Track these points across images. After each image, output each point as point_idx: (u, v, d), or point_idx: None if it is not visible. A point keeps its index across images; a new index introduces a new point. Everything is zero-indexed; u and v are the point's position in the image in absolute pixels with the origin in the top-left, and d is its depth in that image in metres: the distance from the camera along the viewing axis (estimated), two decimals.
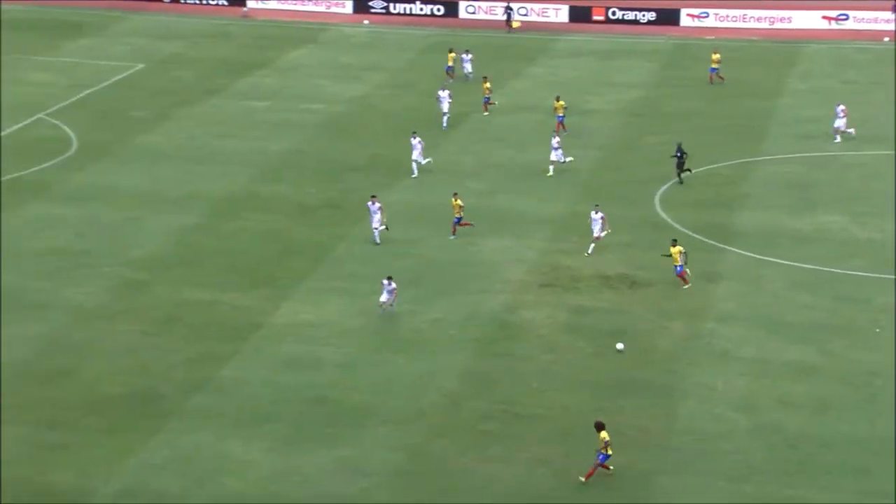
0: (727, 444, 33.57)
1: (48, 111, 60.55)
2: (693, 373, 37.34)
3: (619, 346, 37.75)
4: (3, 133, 57.01)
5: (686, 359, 38.15)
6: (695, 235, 47.08)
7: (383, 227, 45.75)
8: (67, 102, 61.87)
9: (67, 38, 74.68)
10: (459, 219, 46.48)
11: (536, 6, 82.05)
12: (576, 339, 39.42)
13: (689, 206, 50.21)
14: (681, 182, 52.05)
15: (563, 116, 58.34)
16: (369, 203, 45.93)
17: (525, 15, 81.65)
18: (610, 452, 31.83)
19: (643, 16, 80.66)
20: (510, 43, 76.72)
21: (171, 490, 31.24)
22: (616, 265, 44.63)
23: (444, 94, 59.32)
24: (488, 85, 62.07)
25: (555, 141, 53.39)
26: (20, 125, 58.31)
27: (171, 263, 44.24)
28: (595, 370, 37.62)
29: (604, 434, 31.88)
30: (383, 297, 40.25)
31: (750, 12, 79.77)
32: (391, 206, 49.77)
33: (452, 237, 46.23)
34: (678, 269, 42.40)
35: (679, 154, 52.19)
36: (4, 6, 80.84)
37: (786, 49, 74.60)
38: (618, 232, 47.26)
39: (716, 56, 67.43)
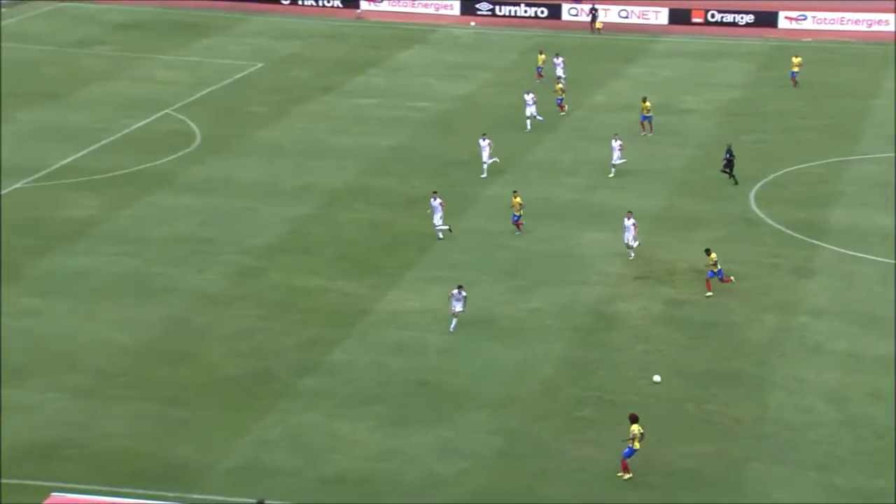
0: (817, 434, 33.05)
1: (174, 107, 61.70)
2: (784, 365, 36.80)
3: (657, 378, 35.32)
4: (133, 127, 58.24)
5: (777, 351, 37.62)
6: (788, 232, 46.35)
7: (446, 227, 45.27)
8: (192, 99, 62.99)
9: (193, 38, 76.00)
10: (518, 217, 45.86)
11: (637, 8, 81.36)
12: (670, 331, 39.10)
13: (783, 203, 49.44)
14: (736, 183, 50.84)
15: (649, 117, 57.59)
16: (431, 199, 45.69)
17: (626, 17, 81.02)
18: (637, 447, 31.03)
19: (741, 18, 79.50)
20: (610, 44, 76.18)
21: (284, 466, 31.73)
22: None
23: (528, 97, 58.66)
24: (560, 86, 61.33)
25: (616, 144, 52.21)
26: (149, 120, 59.55)
27: (286, 252, 44.84)
28: (688, 360, 37.28)
29: (635, 427, 31.08)
30: (457, 308, 38.39)
31: (848, 15, 78.12)
32: (493, 201, 49.84)
33: (518, 233, 45.63)
34: (718, 273, 40.91)
35: (729, 156, 51.10)
36: (137, 7, 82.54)
37: (882, 51, 72.94)
38: (713, 227, 46.72)
39: (796, 60, 66.27)
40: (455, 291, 38.33)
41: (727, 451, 32.38)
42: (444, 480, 31.26)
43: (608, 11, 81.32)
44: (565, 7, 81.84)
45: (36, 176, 51.32)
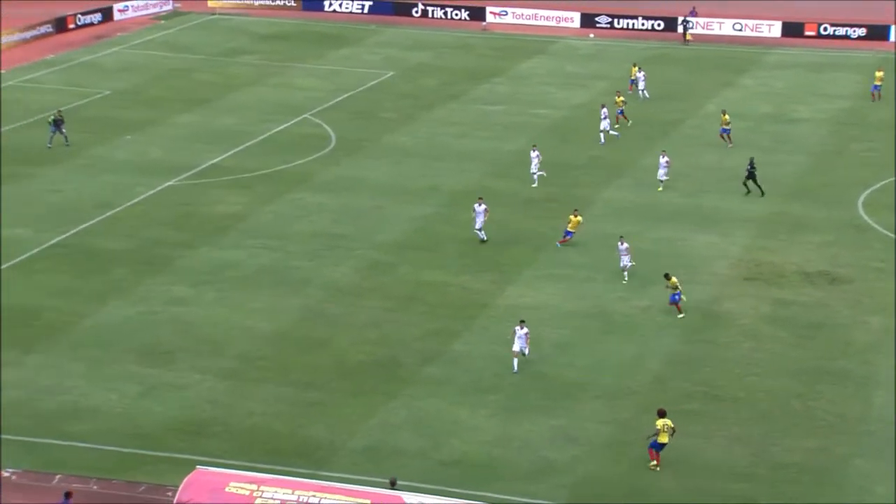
0: None
1: (312, 112, 62.56)
2: (889, 365, 35.70)
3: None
4: (275, 130, 59.22)
5: (883, 352, 36.52)
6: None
7: (482, 234, 44.00)
8: (328, 104, 63.78)
9: (331, 48, 76.97)
10: (570, 233, 43.99)
11: (751, 22, 79.79)
12: (777, 330, 38.26)
13: (891, 209, 47.95)
14: (762, 193, 49.32)
15: (728, 129, 56.12)
16: (475, 205, 44.76)
17: (740, 30, 79.55)
18: (664, 441, 30.20)
19: (854, 31, 77.34)
20: (724, 55, 74.84)
21: (408, 448, 31.93)
22: (818, 262, 43.07)
23: (603, 111, 57.24)
24: (622, 98, 60.10)
25: (664, 160, 50.15)
26: (289, 123, 60.49)
27: (412, 248, 45.10)
28: (795, 358, 36.44)
29: (660, 422, 30.30)
30: (516, 347, 34.80)
31: None
32: (607, 204, 49.42)
33: (559, 245, 44.23)
34: (676, 296, 38.71)
35: (751, 168, 49.54)
36: (281, 20, 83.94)
37: None
38: (821, 232, 45.59)
39: (879, 74, 64.16)
40: (517, 328, 34.61)
41: (831, 446, 31.56)
42: (557, 466, 31.10)
43: (723, 24, 79.94)
44: (680, 20, 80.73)
45: (187, 174, 52.56)
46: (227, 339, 37.64)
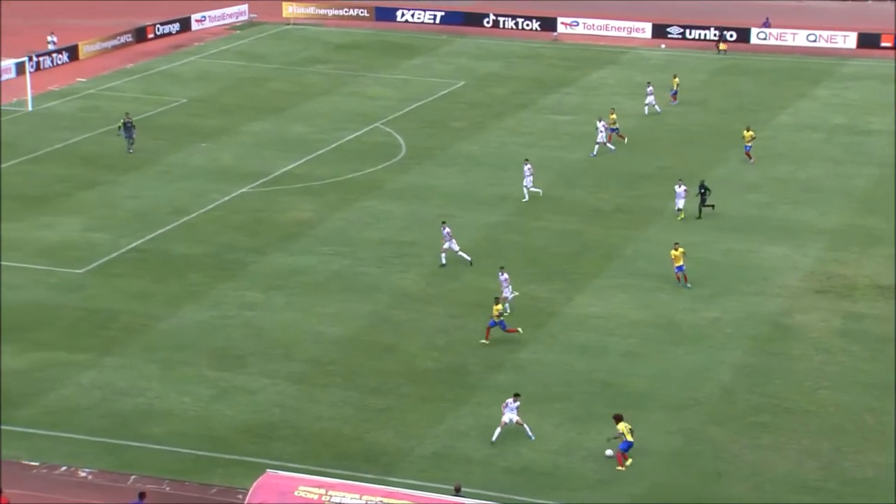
0: None
1: (383, 121, 62.85)
2: None
3: (608, 452, 31.41)
4: (346, 138, 59.60)
5: None
6: None
7: (467, 257, 43.20)
8: (399, 113, 64.03)
9: (403, 58, 77.31)
10: (681, 268, 41.37)
11: (825, 33, 78.64)
12: (849, 343, 37.57)
13: None
14: (699, 217, 47.74)
15: (750, 146, 54.91)
16: (442, 228, 43.41)
17: (814, 41, 78.47)
18: (631, 439, 30.63)
19: None
20: (798, 66, 73.81)
21: (475, 455, 31.86)
22: (890, 276, 42.23)
23: (600, 125, 56.28)
24: (614, 116, 58.78)
25: (680, 189, 47.82)
26: (360, 132, 60.84)
27: (480, 255, 45.06)
28: (867, 372, 35.74)
29: (621, 426, 30.74)
30: (506, 419, 32.02)
31: None
32: (676, 213, 48.90)
33: (686, 285, 41.55)
34: (500, 324, 37.40)
35: (702, 191, 48.16)
36: (355, 30, 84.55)
37: None
38: (894, 244, 44.64)
39: None
40: (510, 400, 32.18)
41: None
42: (623, 476, 30.82)
43: (796, 35, 78.91)
44: (754, 31, 79.85)
45: (260, 181, 53.10)
46: (297, 343, 37.91)
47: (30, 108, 62.64)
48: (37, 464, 31.19)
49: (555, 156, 57.25)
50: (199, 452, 31.79)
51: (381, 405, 34.35)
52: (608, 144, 56.87)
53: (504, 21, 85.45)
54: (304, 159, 56.45)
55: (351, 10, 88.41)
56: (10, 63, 67.83)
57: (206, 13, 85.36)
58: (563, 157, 56.95)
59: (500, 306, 37.85)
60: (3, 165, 54.20)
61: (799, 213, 48.63)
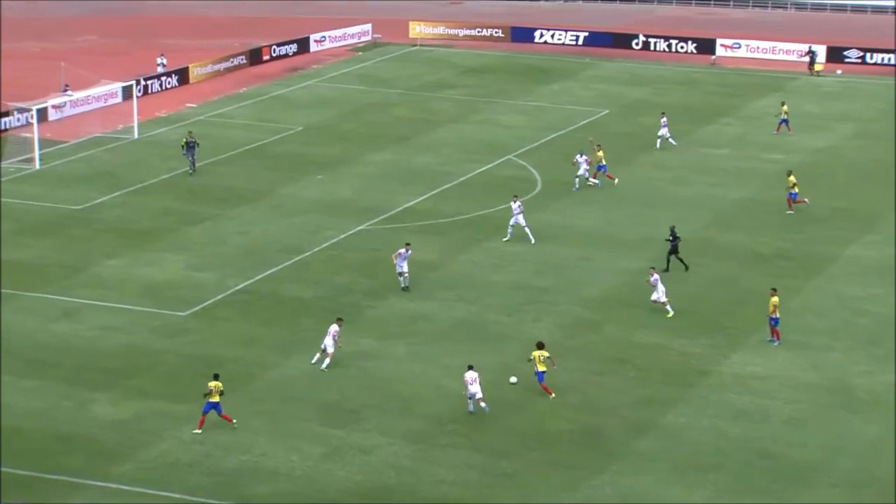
0: None
1: (516, 152, 63.08)
2: None
3: (513, 379, 37.33)
4: (475, 171, 59.94)
5: None
6: None
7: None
8: (535, 144, 64.17)
9: (540, 83, 77.61)
10: (776, 320, 40.82)
11: None
12: None
13: None
14: (667, 269, 46.25)
15: (796, 193, 53.32)
16: (402, 250, 45.15)
17: None
18: (541, 369, 37.00)
19: None
20: None
21: None
22: None
23: (581, 159, 56.26)
24: (601, 153, 57.49)
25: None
26: (491, 165, 61.15)
27: (622, 304, 44.69)
28: None
29: (536, 353, 37.10)
30: (473, 389, 36.40)
31: None
32: (852, 262, 47.77)
33: (774, 342, 41.16)
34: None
35: (672, 238, 46.74)
36: (487, 52, 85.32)
37: None
38: None
39: None
40: (467, 373, 36.08)
41: None
42: None
43: None
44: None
45: (380, 217, 53.76)
46: (417, 398, 38.10)
47: (135, 136, 64.77)
48: None
49: (709, 193, 56.58)
50: None
51: (507, 469, 34.24)
52: (592, 180, 56.66)
53: (656, 43, 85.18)
54: (428, 194, 56.98)
55: (484, 31, 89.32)
56: (116, 86, 70.20)
57: (326, 33, 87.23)
58: (719, 195, 56.27)
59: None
60: (104, 198, 56.10)
61: None
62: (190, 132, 60.26)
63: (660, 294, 43.07)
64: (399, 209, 54.98)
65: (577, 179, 56.72)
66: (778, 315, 41.09)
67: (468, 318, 43.67)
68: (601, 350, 41.17)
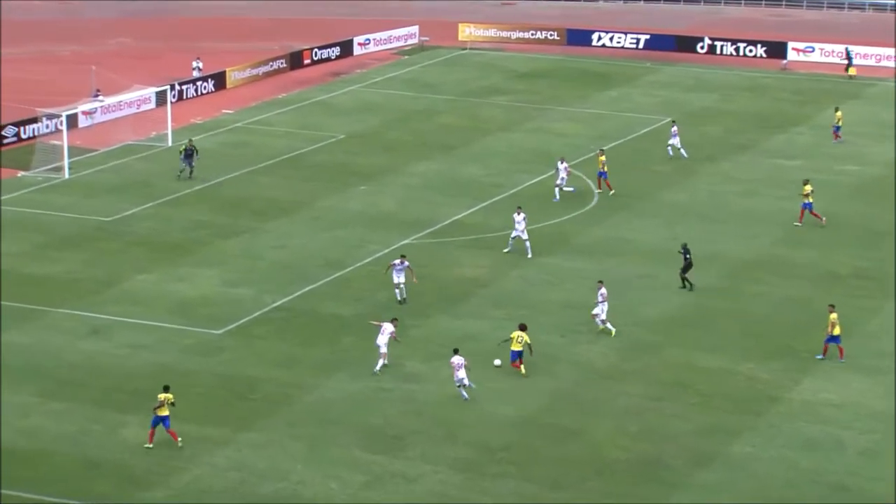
0: None
1: (572, 163, 62.82)
2: None
3: (496, 362, 40.60)
4: (527, 183, 59.86)
5: None
6: None
7: (400, 296, 45.77)
8: (590, 155, 64.00)
9: (597, 88, 77.51)
10: (836, 338, 41.11)
11: None
12: None
13: None
14: (683, 286, 46.67)
15: (811, 204, 53.10)
16: (397, 262, 45.87)
17: None
18: (516, 348, 40.06)
19: None
20: None
21: None
22: None
23: (561, 166, 56.90)
24: (602, 158, 57.62)
25: (601, 293, 45.99)
26: (544, 176, 60.99)
27: (685, 326, 44.47)
28: None
29: (516, 333, 39.91)
30: (461, 375, 38.95)
31: None
32: None
33: (820, 357, 41.59)
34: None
35: (685, 255, 46.61)
36: (540, 55, 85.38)
37: None
38: None
39: None
40: (454, 359, 38.84)
41: None
42: None
43: None
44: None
45: (426, 231, 53.86)
46: (465, 424, 38.08)
47: (169, 144, 65.33)
48: None
49: (779, 208, 56.24)
50: None
51: (560, 500, 34.12)
52: (566, 188, 56.92)
53: (722, 46, 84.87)
54: (477, 206, 57.02)
55: (538, 33, 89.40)
56: (149, 92, 70.83)
57: (371, 35, 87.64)
58: (790, 209, 55.89)
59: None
60: (136, 209, 56.62)
61: None
62: (190, 140, 60.85)
63: (600, 311, 43.33)
64: (446, 222, 55.05)
65: (557, 189, 57.10)
66: (836, 333, 40.85)
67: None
68: (661, 374, 40.97)
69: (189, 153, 59.37)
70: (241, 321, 45.18)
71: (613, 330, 43.39)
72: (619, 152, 64.55)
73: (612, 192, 57.67)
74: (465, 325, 44.81)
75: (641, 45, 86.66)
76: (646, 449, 36.56)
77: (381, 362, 40.51)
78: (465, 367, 38.79)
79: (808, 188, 53.91)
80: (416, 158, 63.96)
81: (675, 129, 63.38)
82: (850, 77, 77.04)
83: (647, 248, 51.78)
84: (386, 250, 51.57)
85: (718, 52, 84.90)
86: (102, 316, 45.29)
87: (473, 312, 45.79)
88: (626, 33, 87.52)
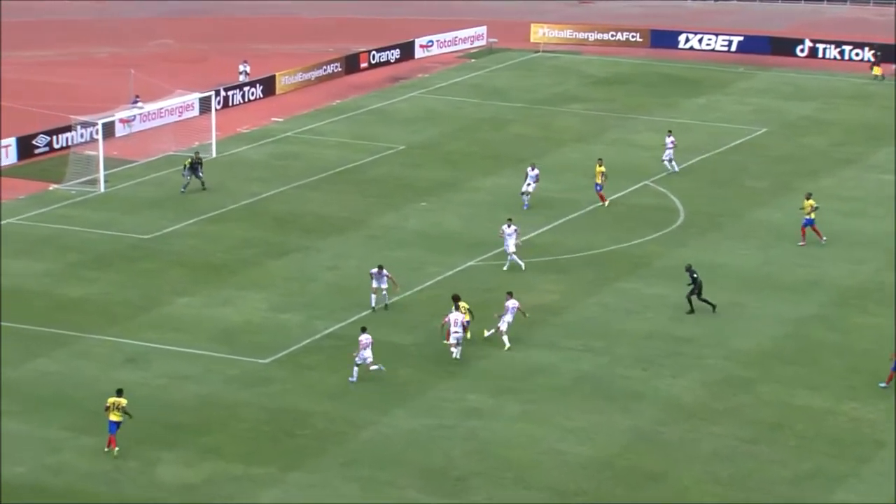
0: None
1: (655, 178, 62.84)
2: None
3: (487, 333, 42.97)
4: (613, 197, 59.74)
5: None
6: None
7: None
8: (677, 168, 63.86)
9: (684, 95, 77.36)
10: None
11: None
12: None
13: None
14: (691, 310, 46.72)
15: (812, 220, 52.89)
16: (374, 270, 47.59)
17: None
18: (468, 319, 43.76)
19: None
20: None
21: None
22: None
23: (532, 173, 57.76)
24: (602, 169, 57.46)
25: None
26: (625, 192, 60.98)
27: (782, 360, 44.17)
28: None
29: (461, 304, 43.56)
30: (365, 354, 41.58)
31: None
32: None
33: (883, 385, 41.77)
34: None
35: (692, 279, 46.73)
36: (622, 59, 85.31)
37: None
38: None
39: None
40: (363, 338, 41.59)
41: None
42: None
43: None
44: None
45: (492, 252, 53.89)
46: (534, 465, 38.03)
47: (213, 154, 65.98)
48: None
49: (886, 230, 55.76)
50: None
51: None
52: (524, 197, 57.99)
53: (825, 49, 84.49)
54: (550, 225, 57.04)
55: (618, 34, 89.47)
56: (193, 98, 71.49)
57: (434, 37, 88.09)
58: None
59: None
60: (177, 226, 57.16)
61: None
62: (197, 152, 61.38)
63: (503, 325, 44.63)
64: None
65: (526, 197, 57.96)
66: None
67: (594, 372, 43.53)
68: (755, 414, 40.70)
69: (195, 166, 59.90)
70: (290, 349, 45.45)
71: (508, 345, 44.44)
72: (708, 166, 64.30)
73: (606, 203, 58.44)
74: (535, 356, 44.80)
75: (733, 47, 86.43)
76: (738, 496, 36.33)
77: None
78: (371, 347, 41.48)
79: (812, 203, 53.67)
80: (483, 172, 64.09)
81: (671, 139, 63.14)
82: (874, 77, 76.03)
83: (739, 274, 51.53)
84: (447, 273, 51.71)
85: (820, 55, 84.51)
86: (139, 343, 45.74)
87: (545, 343, 45.77)
88: (716, 35, 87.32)
